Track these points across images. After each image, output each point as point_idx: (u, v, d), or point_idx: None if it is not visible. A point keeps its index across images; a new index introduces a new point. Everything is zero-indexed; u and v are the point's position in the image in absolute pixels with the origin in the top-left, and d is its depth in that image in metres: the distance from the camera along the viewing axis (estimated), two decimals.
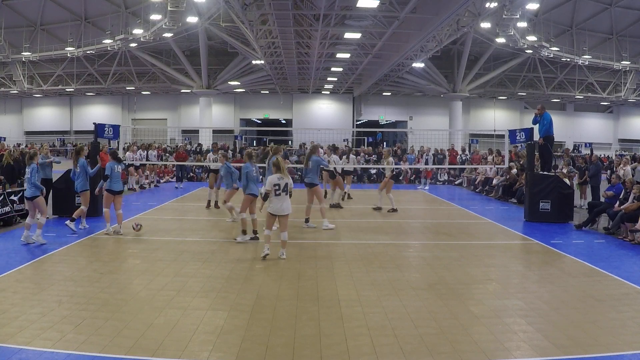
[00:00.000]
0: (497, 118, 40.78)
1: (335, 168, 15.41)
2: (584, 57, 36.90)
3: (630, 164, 16.47)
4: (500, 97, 44.67)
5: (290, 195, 8.65)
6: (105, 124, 14.02)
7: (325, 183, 15.96)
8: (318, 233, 11.13)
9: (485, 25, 28.47)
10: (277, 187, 8.28)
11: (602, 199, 13.07)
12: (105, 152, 16.24)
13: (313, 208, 11.99)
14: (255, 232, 9.97)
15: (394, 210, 14.33)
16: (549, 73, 40.88)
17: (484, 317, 5.90)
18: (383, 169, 24.68)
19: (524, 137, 14.34)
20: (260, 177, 11.13)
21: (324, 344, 5.10)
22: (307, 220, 11.71)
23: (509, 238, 11.14)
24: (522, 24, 29.62)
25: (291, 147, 33.13)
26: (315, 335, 5.30)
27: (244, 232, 9.94)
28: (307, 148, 26.38)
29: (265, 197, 8.36)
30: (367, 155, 27.09)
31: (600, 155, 29.62)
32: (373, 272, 7.87)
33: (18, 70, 38.65)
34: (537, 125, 13.84)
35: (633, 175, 14.27)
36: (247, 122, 46.70)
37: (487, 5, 22.85)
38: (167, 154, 25.55)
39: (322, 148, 16.58)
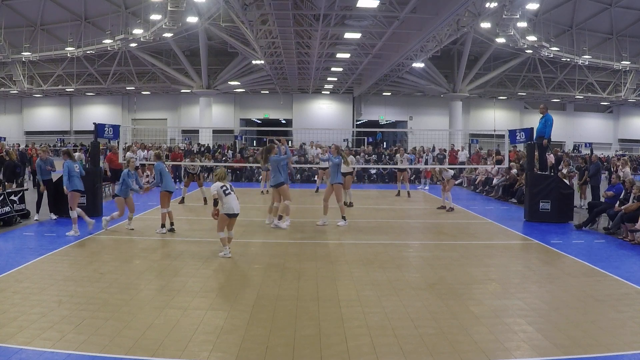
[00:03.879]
0: (497, 118, 40.80)
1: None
2: (584, 57, 36.90)
3: (629, 165, 16.46)
4: (500, 97, 44.67)
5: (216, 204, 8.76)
6: (105, 124, 14.01)
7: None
8: (318, 233, 11.13)
9: (485, 25, 28.46)
10: (225, 188, 8.45)
11: (602, 199, 13.07)
12: (115, 153, 16.30)
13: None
14: (171, 224, 10.96)
15: (451, 209, 14.64)
16: (549, 73, 40.88)
17: (484, 317, 5.90)
18: (384, 169, 24.81)
19: (524, 137, 14.33)
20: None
21: (324, 344, 5.09)
22: (280, 218, 11.54)
23: (509, 238, 11.14)
24: (522, 24, 29.61)
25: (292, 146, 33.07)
26: (315, 335, 5.30)
27: (163, 226, 10.88)
28: (305, 148, 26.50)
29: (215, 203, 8.51)
30: (367, 155, 27.10)
31: (600, 155, 29.63)
32: (373, 272, 7.87)
33: (18, 70, 38.64)
34: (538, 125, 13.83)
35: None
36: (247, 122, 46.70)
37: (487, 5, 22.86)
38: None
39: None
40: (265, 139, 39.06)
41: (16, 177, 14.00)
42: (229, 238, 8.75)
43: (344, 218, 12.03)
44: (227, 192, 8.49)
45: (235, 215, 8.60)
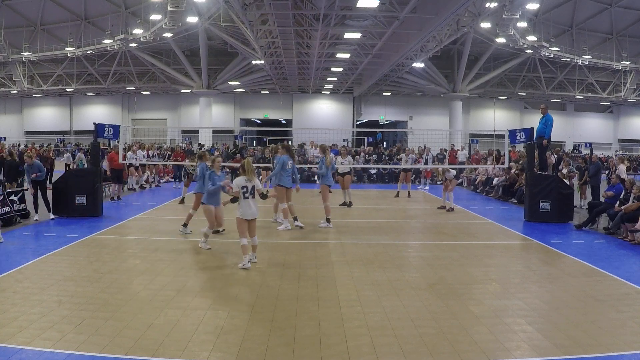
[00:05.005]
0: (497, 118, 40.79)
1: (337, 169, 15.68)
2: (584, 57, 36.91)
3: (625, 163, 16.58)
4: (500, 97, 44.67)
5: (264, 197, 8.42)
6: (105, 124, 14.01)
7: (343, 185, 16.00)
8: (318, 233, 11.13)
9: (485, 25, 28.47)
10: (244, 190, 7.88)
11: (602, 199, 13.07)
12: (115, 152, 16.27)
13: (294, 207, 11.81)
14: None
15: (451, 209, 14.64)
16: (549, 73, 40.89)
17: (484, 317, 5.90)
18: (384, 169, 24.81)
19: (524, 137, 14.34)
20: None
21: (324, 344, 5.10)
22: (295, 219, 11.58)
23: (509, 238, 11.14)
24: (522, 24, 29.62)
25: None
26: (315, 335, 5.30)
27: (185, 225, 10.67)
28: (305, 148, 26.53)
29: (234, 200, 8.05)
30: (367, 155, 27.12)
31: (600, 155, 29.62)
32: (373, 272, 7.87)
33: (18, 70, 38.65)
34: (539, 125, 13.84)
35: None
36: (247, 122, 46.70)
37: (487, 5, 22.87)
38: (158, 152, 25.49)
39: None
40: (265, 139, 39.22)
41: (19, 176, 14.01)
42: (252, 246, 8.14)
43: (328, 220, 11.87)
44: (245, 194, 7.88)
45: (250, 220, 8.01)
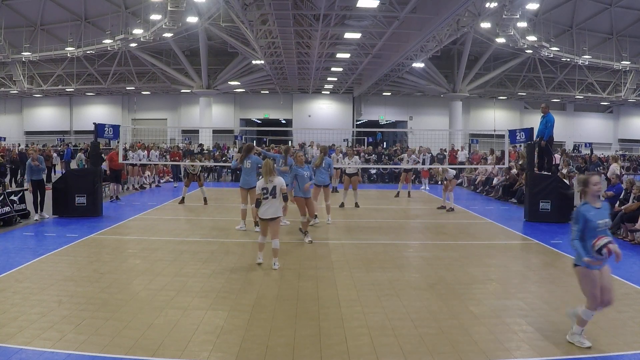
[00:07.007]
0: (497, 118, 40.76)
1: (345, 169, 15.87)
2: (584, 57, 36.88)
3: (619, 162, 16.55)
4: (500, 97, 44.64)
5: (286, 199, 8.22)
6: (105, 124, 14.01)
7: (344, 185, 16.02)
8: (318, 233, 11.13)
9: (485, 25, 28.45)
10: (264, 191, 7.93)
11: (602, 199, 13.07)
12: (116, 152, 16.27)
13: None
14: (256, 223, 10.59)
15: (452, 209, 14.66)
16: (549, 73, 40.86)
17: (484, 317, 5.91)
18: (384, 169, 24.82)
19: (524, 137, 14.34)
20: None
21: (324, 344, 5.10)
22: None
23: (509, 238, 11.14)
24: (522, 24, 29.60)
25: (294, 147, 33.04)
26: (315, 335, 5.30)
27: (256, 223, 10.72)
28: (306, 148, 26.54)
29: (257, 204, 7.99)
30: (366, 155, 27.13)
31: (600, 155, 29.62)
32: (373, 272, 7.87)
33: (18, 70, 38.63)
34: (540, 125, 13.84)
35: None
36: (247, 122, 46.67)
37: (487, 5, 22.86)
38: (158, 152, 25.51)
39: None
40: (265, 139, 39.23)
41: (2, 177, 13.95)
42: (273, 249, 8.07)
43: (314, 216, 11.72)
44: (265, 196, 7.89)
45: (268, 220, 7.96)
